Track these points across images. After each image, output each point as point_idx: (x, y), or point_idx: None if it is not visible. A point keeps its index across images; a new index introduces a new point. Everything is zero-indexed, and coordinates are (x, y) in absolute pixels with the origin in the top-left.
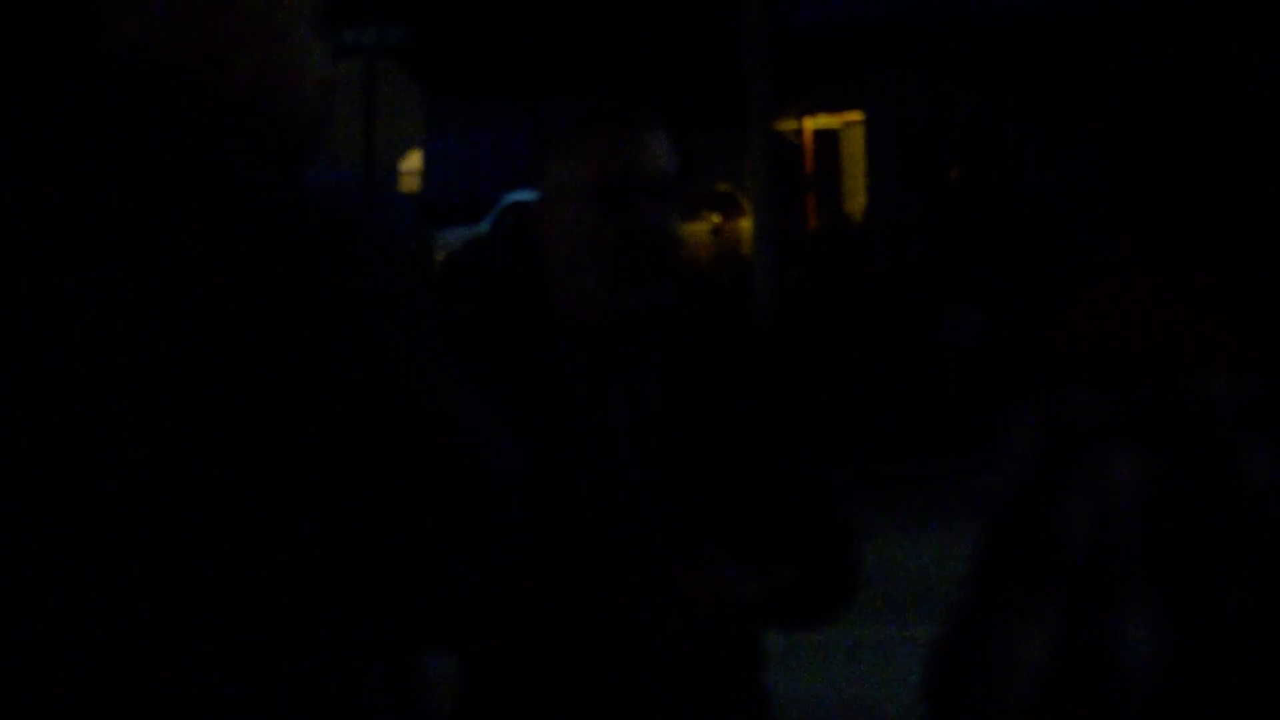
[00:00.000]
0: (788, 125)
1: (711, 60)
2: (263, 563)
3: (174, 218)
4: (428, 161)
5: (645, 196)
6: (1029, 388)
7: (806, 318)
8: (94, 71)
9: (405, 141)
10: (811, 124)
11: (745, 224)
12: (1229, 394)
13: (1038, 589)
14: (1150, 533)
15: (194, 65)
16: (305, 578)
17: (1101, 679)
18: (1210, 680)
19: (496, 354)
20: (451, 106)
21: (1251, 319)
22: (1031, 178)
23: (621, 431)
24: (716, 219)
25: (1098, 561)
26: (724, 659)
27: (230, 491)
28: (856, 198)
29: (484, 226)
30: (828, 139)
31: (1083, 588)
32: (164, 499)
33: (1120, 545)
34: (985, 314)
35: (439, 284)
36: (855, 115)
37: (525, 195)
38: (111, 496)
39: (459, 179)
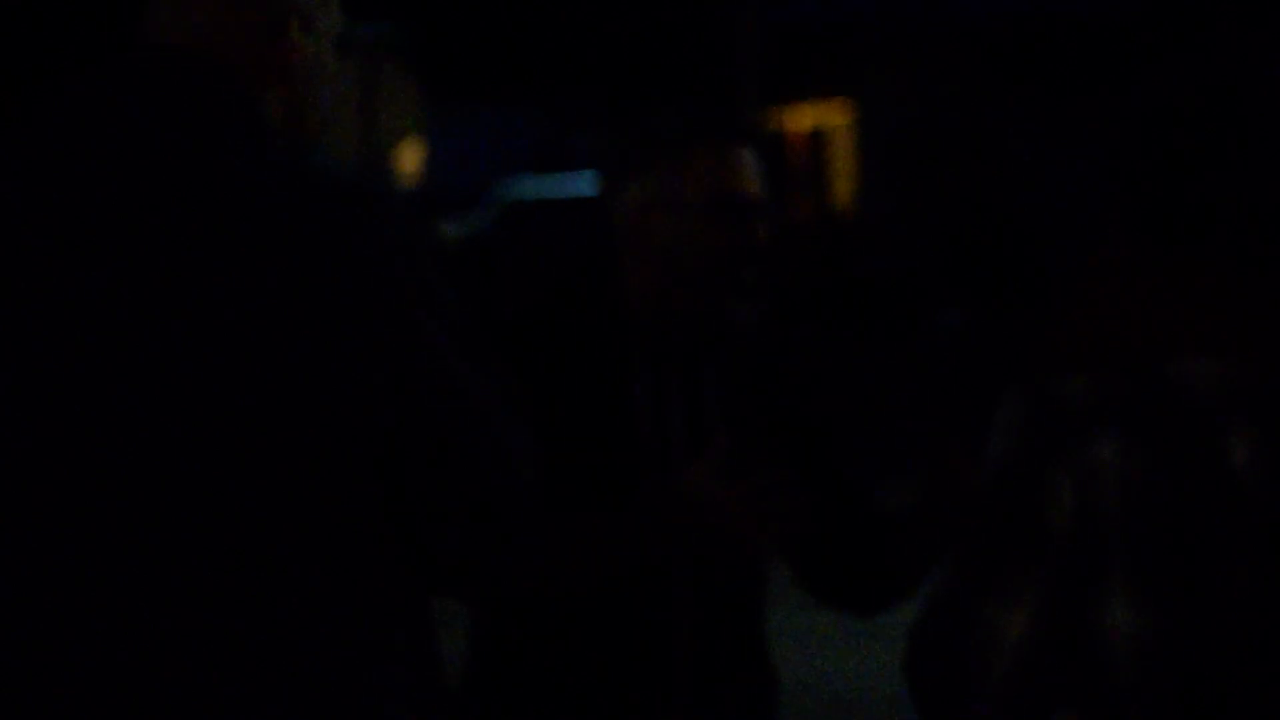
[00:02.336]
0: (776, 123)
1: (701, 58)
2: (277, 547)
3: (200, 202)
4: (426, 157)
5: (752, 215)
6: (1015, 373)
7: (795, 314)
8: (112, 63)
9: (402, 136)
10: (800, 122)
11: None
12: (1210, 379)
13: (1020, 569)
14: (1132, 515)
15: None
16: (320, 560)
17: (1081, 659)
18: (1188, 662)
19: (557, 349)
20: (449, 102)
21: (1233, 305)
22: (1020, 176)
23: (679, 435)
24: None
25: (1080, 543)
26: (730, 632)
27: (245, 475)
28: (843, 197)
29: (481, 220)
30: (816, 137)
31: (1064, 569)
32: (178, 482)
33: (1102, 527)
34: (971, 311)
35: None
36: (843, 114)
37: (523, 193)
38: (121, 486)
39: (456, 173)
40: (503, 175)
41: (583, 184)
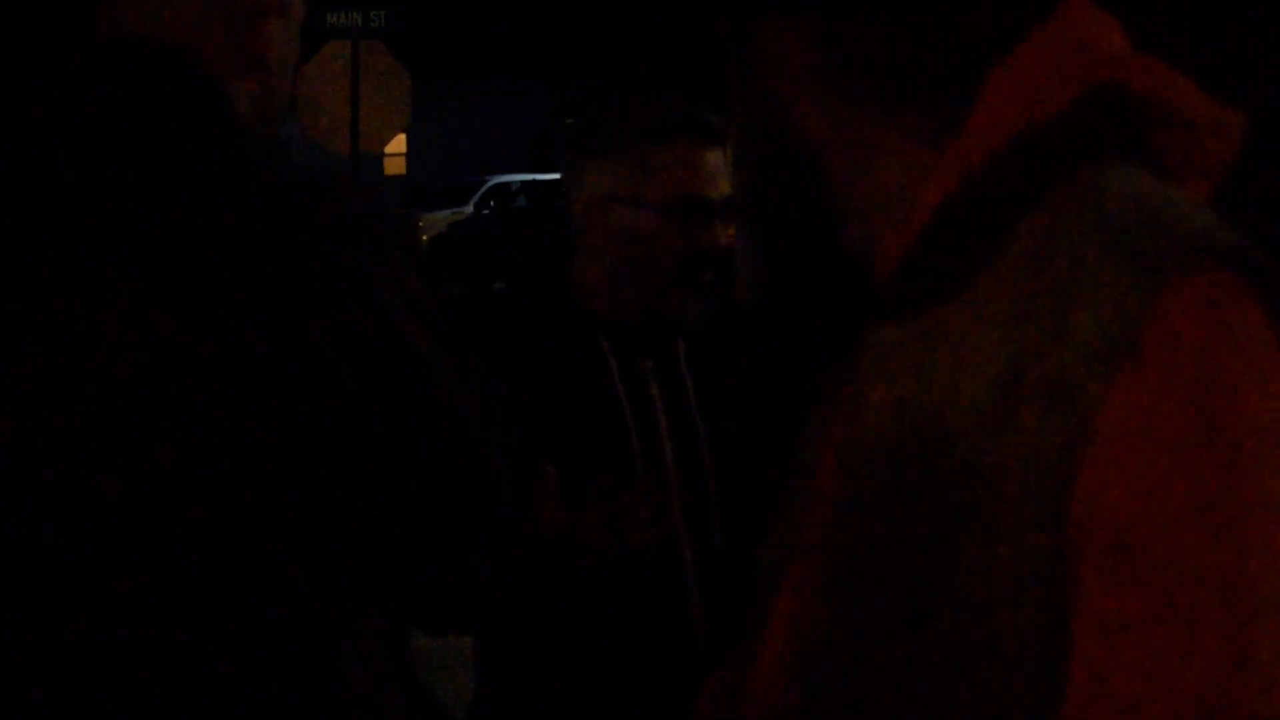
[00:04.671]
0: None
1: (692, 46)
2: (260, 552)
3: (170, 198)
4: (413, 144)
5: (713, 217)
6: None
7: (786, 303)
8: (79, 52)
9: (393, 125)
10: None
11: None
12: None
13: None
14: None
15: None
16: (303, 565)
17: None
18: None
19: (528, 340)
20: (438, 90)
21: None
22: None
23: (661, 420)
24: None
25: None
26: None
27: (232, 478)
28: None
29: (468, 209)
30: None
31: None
32: (165, 488)
33: None
34: None
35: (426, 264)
36: None
37: (507, 178)
38: (108, 488)
39: (444, 162)
40: (494, 164)
41: None
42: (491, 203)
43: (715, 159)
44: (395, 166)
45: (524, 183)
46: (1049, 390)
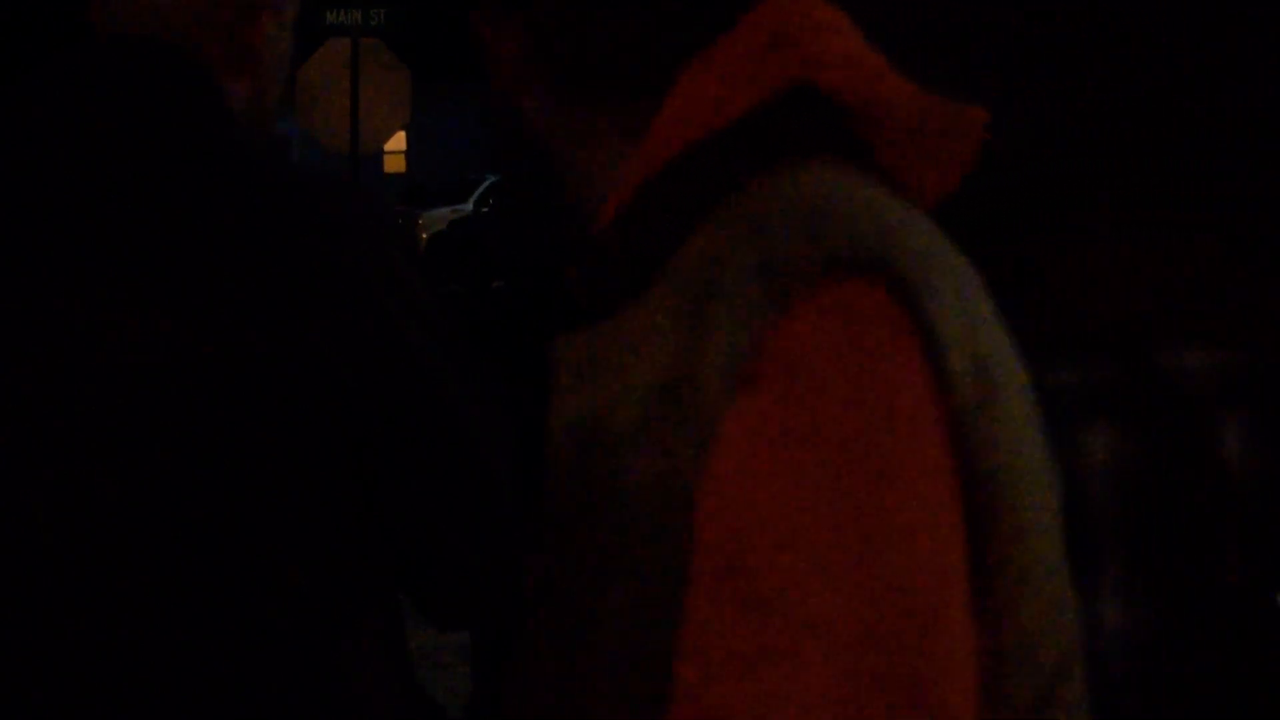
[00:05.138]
0: None
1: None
2: (260, 552)
3: (168, 200)
4: (413, 142)
5: None
6: None
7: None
8: (76, 53)
9: (390, 123)
10: None
11: None
12: (1202, 369)
13: None
14: (1122, 507)
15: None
16: (303, 565)
17: None
18: (1180, 657)
19: (528, 340)
20: (437, 88)
21: (1226, 292)
22: (1009, 155)
23: None
24: None
25: (1069, 535)
26: None
27: (232, 478)
28: None
29: (468, 207)
30: None
31: None
32: (165, 488)
33: (1092, 519)
34: None
35: (424, 263)
36: None
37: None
38: (108, 489)
39: (444, 159)
40: (494, 162)
41: None
42: (491, 201)
43: None
44: (395, 164)
45: None
46: (689, 405)
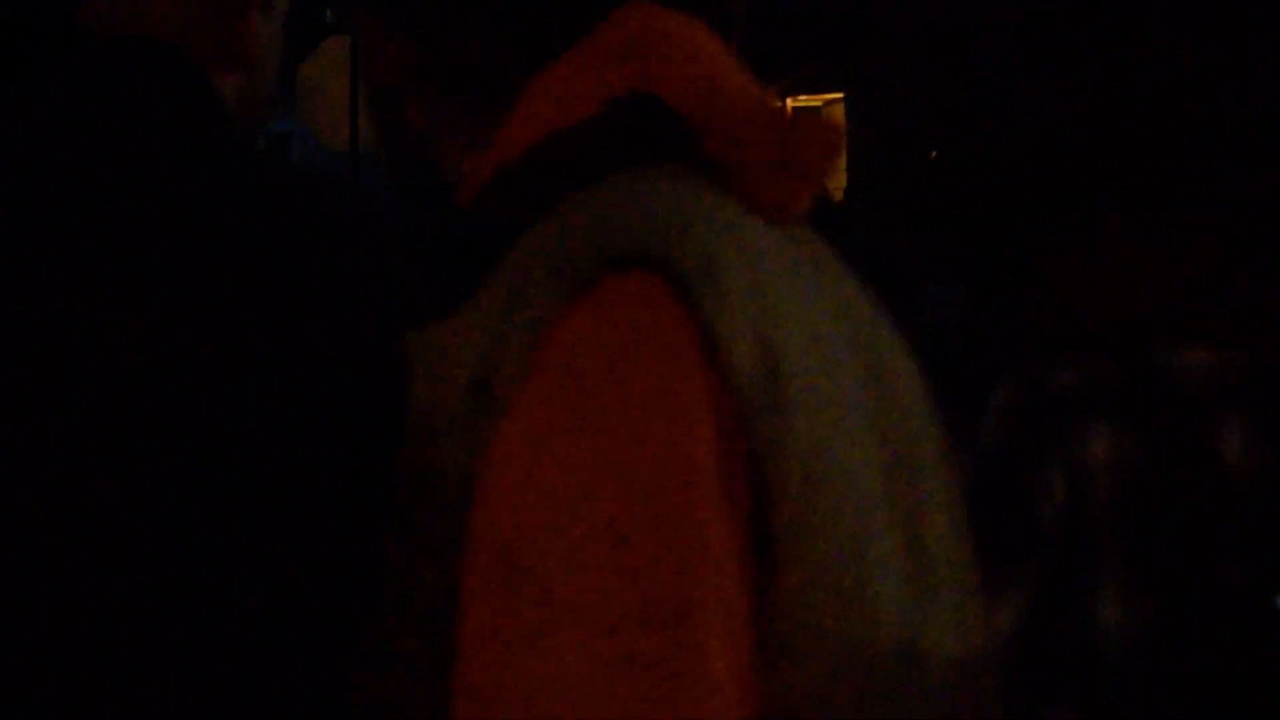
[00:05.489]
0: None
1: None
2: (260, 553)
3: (181, 193)
4: None
5: None
6: (1006, 362)
7: None
8: (90, 52)
9: None
10: (792, 103)
11: None
12: (1201, 368)
13: (1009, 560)
14: (1122, 508)
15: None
16: (303, 565)
17: (1072, 653)
18: (1179, 655)
19: None
20: None
21: (1225, 292)
22: (1012, 154)
23: None
24: None
25: (1070, 535)
26: None
27: (231, 479)
28: (837, 175)
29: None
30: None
31: (1054, 561)
32: (164, 489)
33: (1093, 520)
34: (966, 292)
35: (424, 260)
36: (836, 94)
37: None
38: (108, 490)
39: None
40: None
41: None
42: None
43: None
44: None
45: None
46: (489, 400)
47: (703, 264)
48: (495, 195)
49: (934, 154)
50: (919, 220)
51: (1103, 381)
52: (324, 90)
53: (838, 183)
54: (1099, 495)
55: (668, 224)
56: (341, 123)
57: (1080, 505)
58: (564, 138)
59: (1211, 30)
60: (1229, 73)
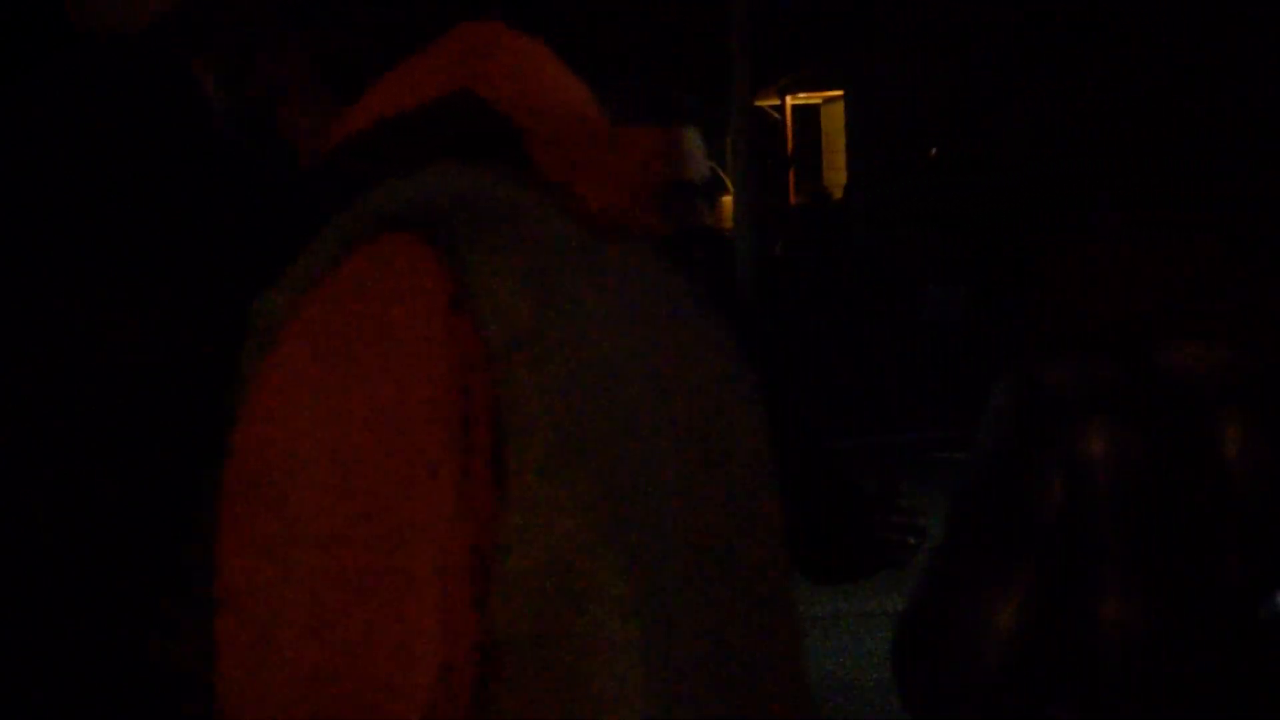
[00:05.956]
0: (769, 102)
1: (693, 37)
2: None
3: (181, 192)
4: None
5: (698, 198)
6: (1005, 360)
7: (786, 293)
8: (89, 52)
9: None
10: (792, 101)
11: (726, 200)
12: (1200, 364)
13: (1009, 559)
14: (1122, 506)
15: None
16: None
17: (1071, 650)
18: (1179, 652)
19: None
20: None
21: (1223, 288)
22: (1011, 153)
23: None
24: None
25: (1070, 533)
26: None
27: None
28: (836, 174)
29: None
30: (808, 116)
31: (1054, 560)
32: (167, 489)
33: (1092, 518)
34: (965, 290)
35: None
36: (836, 92)
37: None
38: (107, 490)
39: None
40: None
41: None
42: None
43: (691, 139)
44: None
45: None
46: (265, 340)
47: (471, 230)
48: (328, 168)
49: (934, 152)
50: (919, 219)
51: (1102, 380)
52: None
53: (838, 182)
54: (1098, 494)
55: (447, 196)
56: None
57: (1079, 504)
58: (388, 125)
59: (1211, 30)
60: (1229, 73)
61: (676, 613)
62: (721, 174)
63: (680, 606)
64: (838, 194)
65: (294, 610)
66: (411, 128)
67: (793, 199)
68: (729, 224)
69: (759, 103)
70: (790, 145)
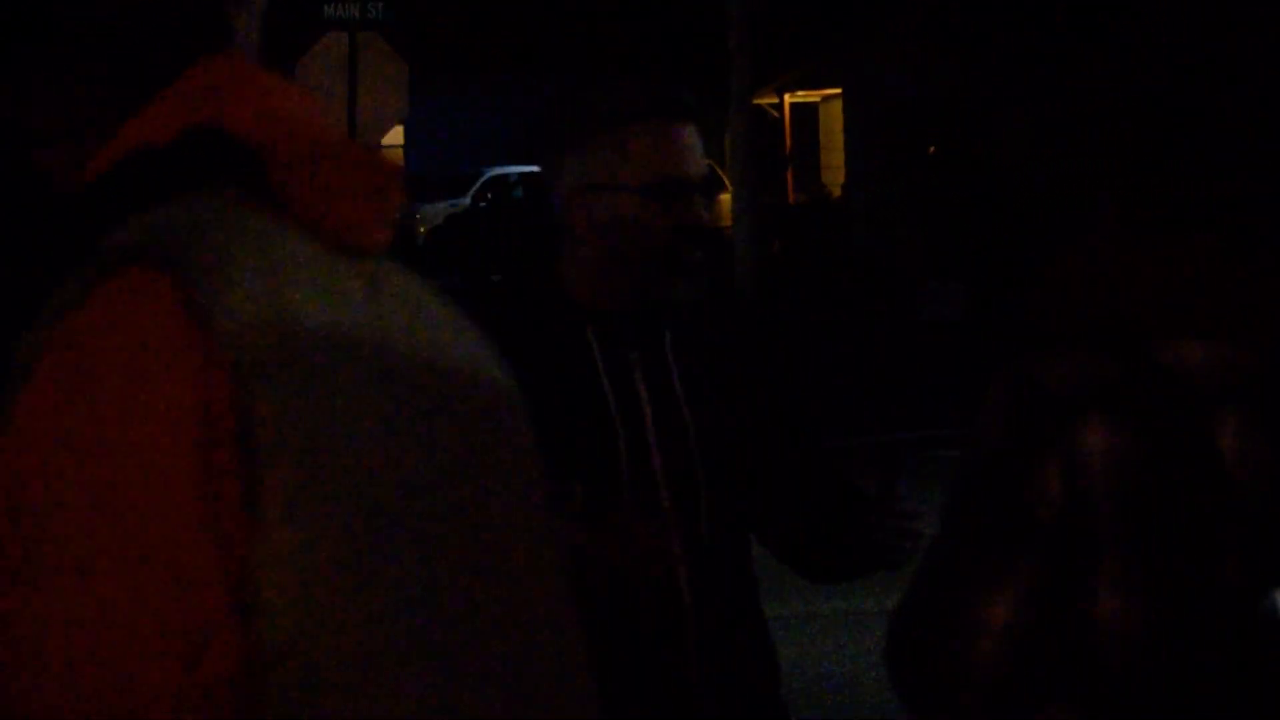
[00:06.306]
0: (767, 100)
1: (692, 35)
2: None
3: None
4: (410, 135)
5: (696, 194)
6: (1004, 356)
7: (785, 291)
8: None
9: (388, 116)
10: (791, 99)
11: (725, 198)
12: (1199, 363)
13: (1006, 558)
14: (1120, 504)
15: None
16: None
17: (1069, 648)
18: (1177, 651)
19: (514, 333)
20: (435, 81)
21: (1223, 287)
22: (1011, 152)
23: (646, 411)
24: None
25: (1068, 531)
26: (733, 617)
27: None
28: (835, 172)
29: (466, 200)
30: (807, 114)
31: (1052, 558)
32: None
33: (1090, 516)
34: (962, 288)
35: (423, 257)
36: (834, 90)
37: (505, 169)
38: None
39: (442, 153)
40: (492, 156)
41: None
42: (489, 194)
43: (690, 135)
44: (393, 158)
45: (522, 174)
46: (18, 377)
47: (208, 260)
48: (79, 206)
49: (932, 150)
50: (917, 218)
51: (1101, 378)
52: (321, 87)
53: (836, 180)
54: (1097, 492)
55: (183, 227)
56: (339, 120)
57: (1078, 502)
58: (133, 162)
59: (1211, 30)
60: (1229, 73)
61: (444, 627)
62: (720, 172)
63: (449, 619)
64: (836, 192)
65: (51, 640)
66: (155, 162)
67: (791, 197)
68: (727, 222)
69: (757, 101)
70: (788, 143)
